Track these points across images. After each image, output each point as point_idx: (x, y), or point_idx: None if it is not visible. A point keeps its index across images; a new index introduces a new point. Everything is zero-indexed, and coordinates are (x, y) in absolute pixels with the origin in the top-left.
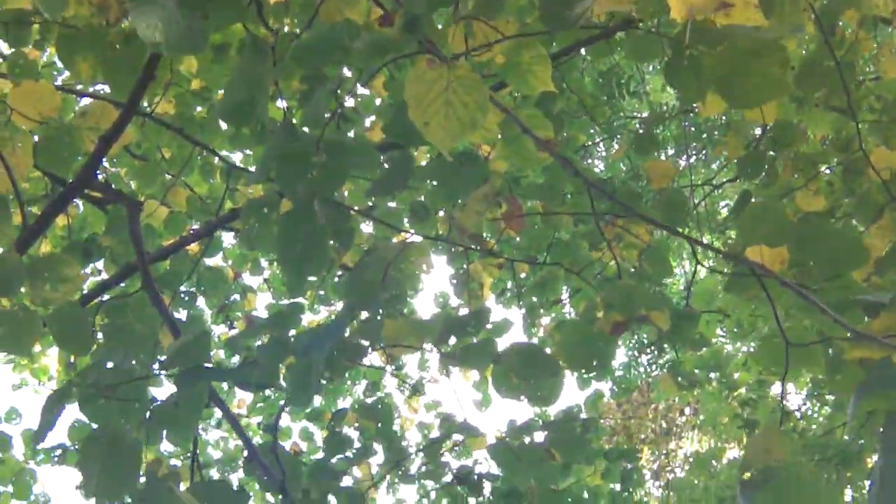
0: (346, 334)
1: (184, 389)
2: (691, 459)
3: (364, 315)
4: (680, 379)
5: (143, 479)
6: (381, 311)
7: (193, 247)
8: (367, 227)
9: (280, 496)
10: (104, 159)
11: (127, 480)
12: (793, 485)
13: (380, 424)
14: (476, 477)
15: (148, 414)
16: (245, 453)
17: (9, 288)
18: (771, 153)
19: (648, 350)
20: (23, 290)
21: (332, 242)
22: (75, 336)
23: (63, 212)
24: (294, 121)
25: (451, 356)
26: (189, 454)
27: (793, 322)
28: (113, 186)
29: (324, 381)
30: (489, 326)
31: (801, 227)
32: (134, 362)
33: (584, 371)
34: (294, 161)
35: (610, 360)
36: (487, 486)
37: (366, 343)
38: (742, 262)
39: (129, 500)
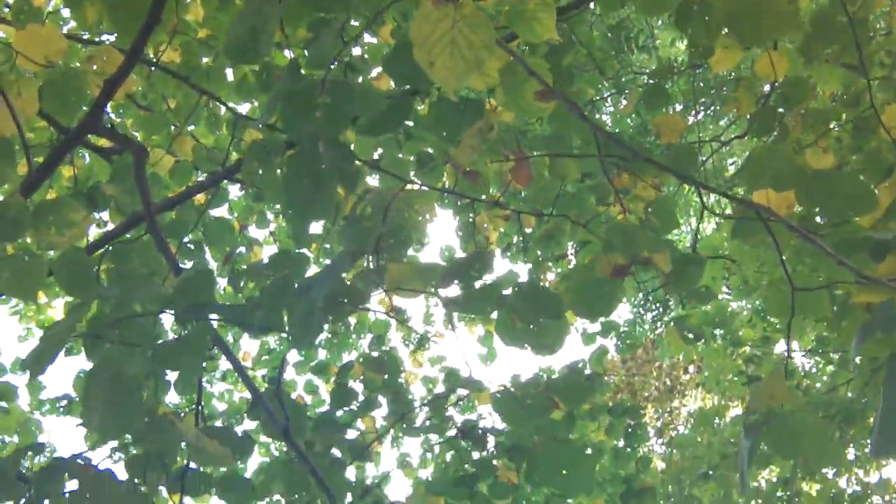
0: (350, 280)
1: (185, 322)
2: (694, 417)
3: (366, 260)
4: (686, 333)
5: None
6: (383, 255)
7: (199, 197)
8: (373, 181)
9: (284, 441)
10: (110, 109)
11: (129, 416)
12: (793, 427)
13: (386, 377)
14: (480, 431)
15: (151, 354)
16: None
17: (14, 232)
18: (781, 110)
19: (653, 307)
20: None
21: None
22: (81, 282)
23: (68, 155)
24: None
25: (454, 300)
26: (194, 406)
27: (799, 270)
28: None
29: (325, 327)
30: (494, 278)
31: (808, 171)
32: (139, 308)
33: (588, 315)
34: (298, 102)
35: (614, 303)
36: (491, 441)
37: (369, 287)
38: (748, 205)
39: (132, 437)
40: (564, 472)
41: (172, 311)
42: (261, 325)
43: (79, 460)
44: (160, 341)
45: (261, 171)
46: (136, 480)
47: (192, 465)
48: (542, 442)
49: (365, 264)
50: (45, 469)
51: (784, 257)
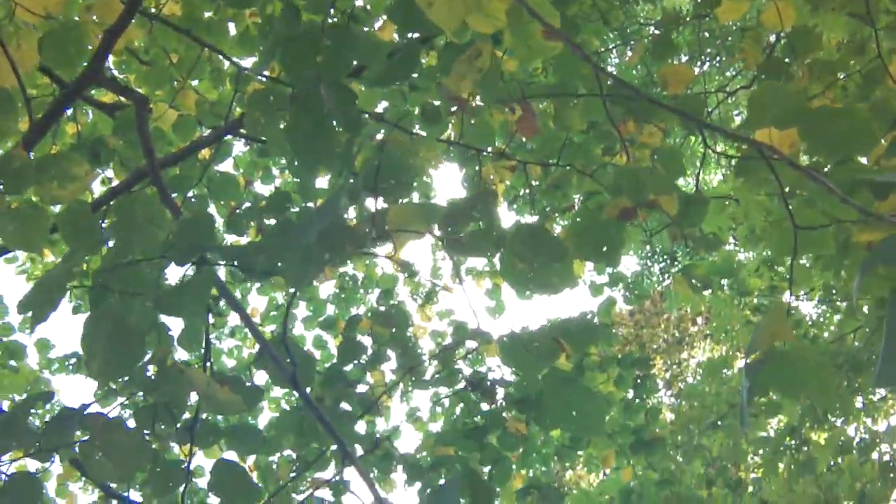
0: (353, 222)
1: (185, 263)
2: (702, 368)
3: (363, 198)
4: (693, 282)
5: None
6: (385, 196)
7: (203, 153)
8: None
9: (292, 388)
10: (112, 65)
11: (131, 360)
12: (795, 365)
13: (394, 330)
14: (489, 383)
15: (153, 299)
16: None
17: (17, 186)
18: (787, 60)
19: (661, 259)
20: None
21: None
22: (85, 235)
23: (72, 112)
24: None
25: (456, 241)
26: (202, 363)
27: (802, 210)
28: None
29: (331, 280)
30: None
31: (810, 109)
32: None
33: (593, 258)
34: (299, 46)
35: (619, 246)
36: (500, 393)
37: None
38: (751, 143)
39: (140, 387)
40: (574, 412)
41: (172, 256)
42: (263, 269)
43: (88, 410)
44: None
45: (263, 122)
46: (145, 431)
47: (202, 416)
48: (551, 384)
49: (365, 204)
50: (55, 418)
51: (786, 198)
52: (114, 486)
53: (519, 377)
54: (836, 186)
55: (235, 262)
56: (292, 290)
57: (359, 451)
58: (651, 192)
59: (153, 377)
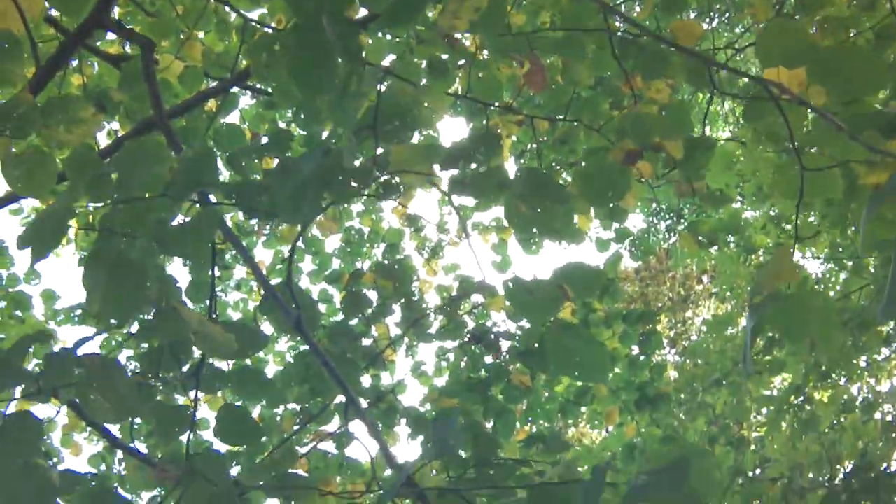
0: (356, 162)
1: (184, 198)
2: (706, 327)
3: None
4: (699, 238)
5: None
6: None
7: (210, 105)
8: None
9: (296, 333)
10: (118, 16)
11: (132, 300)
12: (799, 307)
13: (398, 284)
14: (493, 336)
15: (156, 237)
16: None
17: (23, 129)
18: (798, 17)
19: (667, 216)
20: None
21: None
22: (92, 179)
23: (78, 63)
24: None
25: (459, 182)
26: (207, 313)
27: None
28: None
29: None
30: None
31: (819, 47)
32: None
33: (597, 202)
34: None
35: (625, 190)
36: (505, 346)
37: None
38: (760, 81)
39: (140, 327)
40: (578, 359)
41: (173, 193)
42: (265, 209)
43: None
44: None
45: (268, 66)
46: (149, 376)
47: (208, 362)
48: (555, 331)
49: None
50: (52, 359)
51: (794, 138)
52: (118, 435)
53: (524, 332)
54: (844, 126)
55: (236, 199)
56: (297, 231)
57: (363, 404)
58: (656, 135)
59: (152, 318)
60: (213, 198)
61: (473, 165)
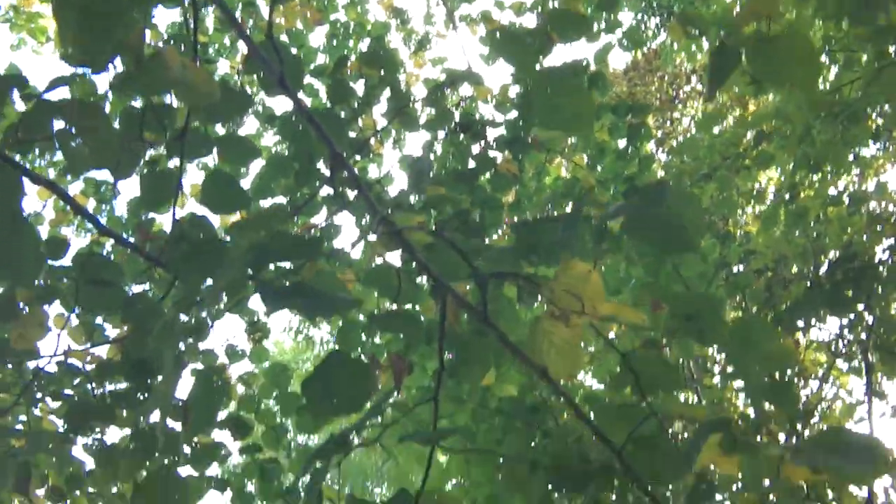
0: None
1: None
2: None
3: None
4: (690, 28)
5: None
6: None
7: None
8: None
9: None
10: None
11: (108, 29)
12: (781, 49)
13: (384, 72)
14: (480, 126)
15: None
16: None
17: None
18: None
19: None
20: None
21: None
22: None
23: None
24: None
25: None
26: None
27: None
28: None
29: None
30: None
31: None
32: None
33: None
34: None
35: None
36: (492, 135)
37: None
38: None
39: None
40: (563, 109)
41: None
42: None
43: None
44: None
45: None
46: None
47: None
48: (541, 81)
49: None
50: (31, 109)
51: None
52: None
53: (510, 121)
54: None
55: None
56: None
57: (350, 195)
58: None
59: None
60: None
61: None
